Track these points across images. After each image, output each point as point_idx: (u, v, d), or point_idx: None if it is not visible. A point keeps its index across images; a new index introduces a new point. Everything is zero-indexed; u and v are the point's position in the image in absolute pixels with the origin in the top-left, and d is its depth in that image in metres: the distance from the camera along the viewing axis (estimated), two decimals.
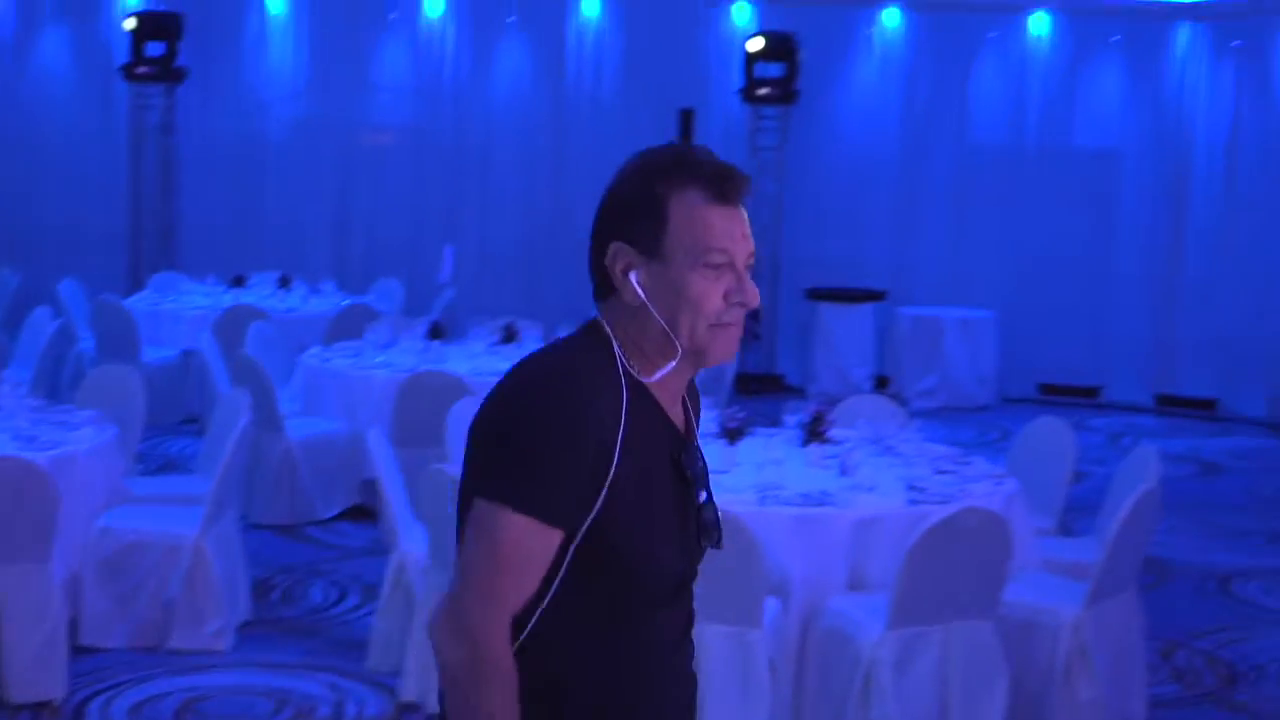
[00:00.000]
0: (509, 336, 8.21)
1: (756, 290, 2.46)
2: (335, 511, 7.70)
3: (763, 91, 11.64)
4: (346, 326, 9.22)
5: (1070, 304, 12.03)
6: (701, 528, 2.52)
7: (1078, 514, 7.05)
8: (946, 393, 11.58)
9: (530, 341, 7.98)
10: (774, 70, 11.62)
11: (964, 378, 11.62)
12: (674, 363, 2.45)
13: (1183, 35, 11.76)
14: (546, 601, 2.39)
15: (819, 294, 11.67)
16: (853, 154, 12.16)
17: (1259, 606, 6.83)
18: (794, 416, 5.71)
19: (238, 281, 10.85)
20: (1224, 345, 11.63)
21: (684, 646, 2.58)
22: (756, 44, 11.51)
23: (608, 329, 2.47)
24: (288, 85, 12.53)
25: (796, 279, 11.90)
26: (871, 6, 12.08)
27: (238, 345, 8.17)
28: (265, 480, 7.57)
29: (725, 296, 2.43)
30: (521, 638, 2.39)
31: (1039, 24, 12.01)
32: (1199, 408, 11.66)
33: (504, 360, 7.70)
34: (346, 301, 10.28)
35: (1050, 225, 11.98)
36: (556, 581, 2.38)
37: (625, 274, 2.43)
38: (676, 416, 2.52)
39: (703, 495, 2.54)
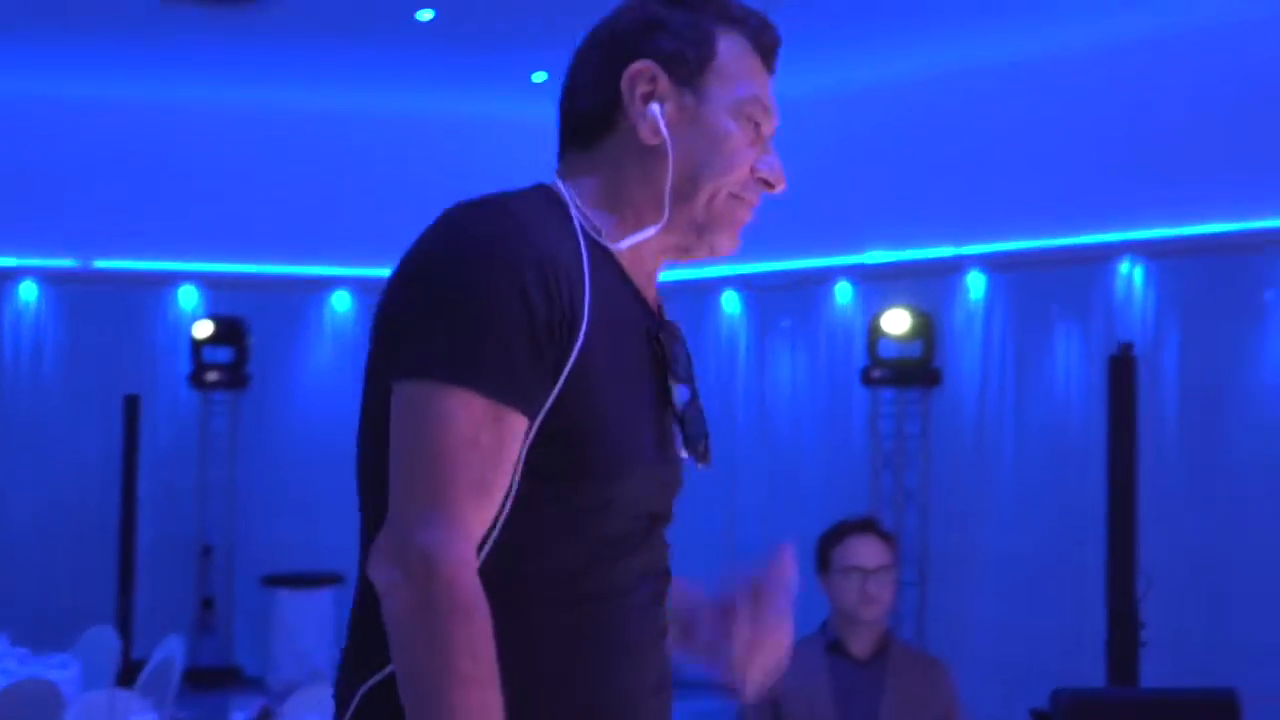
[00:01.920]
0: None
1: (784, 175, 1.97)
2: None
3: (212, 377, 11.48)
4: None
5: None
6: (686, 430, 1.91)
7: None
8: None
9: None
10: (224, 355, 11.49)
11: None
12: (654, 228, 1.91)
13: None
14: (496, 532, 1.75)
15: (275, 580, 11.44)
16: (308, 436, 12.07)
17: None
18: (241, 714, 5.55)
19: None
20: None
21: (658, 622, 1.92)
22: (204, 329, 11.37)
23: (560, 188, 1.93)
24: None
25: (252, 566, 11.64)
26: (321, 290, 12.15)
27: None
28: None
29: (752, 168, 1.94)
30: None
31: None
32: None
33: None
34: None
35: None
36: (509, 500, 1.75)
37: (645, 102, 1.90)
38: (651, 298, 1.97)
39: (685, 391, 1.92)
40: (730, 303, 11.54)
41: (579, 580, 1.81)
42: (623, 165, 1.91)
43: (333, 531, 12.07)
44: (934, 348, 10.14)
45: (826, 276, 10.91)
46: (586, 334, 1.77)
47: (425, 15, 8.72)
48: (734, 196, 1.93)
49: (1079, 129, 9.23)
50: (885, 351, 10.22)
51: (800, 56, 9.63)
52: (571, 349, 1.75)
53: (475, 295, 1.73)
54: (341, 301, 12.21)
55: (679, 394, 1.92)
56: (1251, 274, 8.41)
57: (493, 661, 1.67)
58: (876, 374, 10.26)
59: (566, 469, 1.77)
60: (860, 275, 10.76)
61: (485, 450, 1.71)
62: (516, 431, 1.73)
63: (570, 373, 1.75)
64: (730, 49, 1.92)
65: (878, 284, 10.57)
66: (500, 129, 10.99)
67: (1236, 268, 8.45)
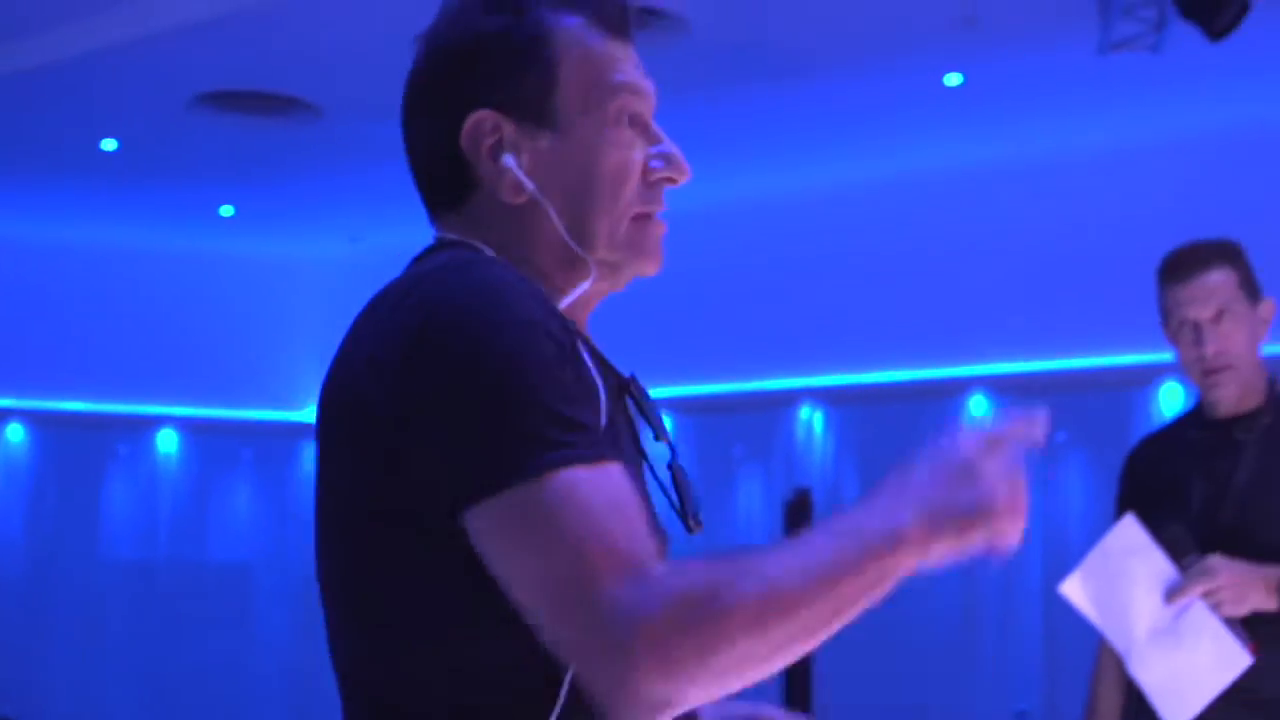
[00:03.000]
0: None
1: (683, 159, 1.66)
2: None
3: None
4: None
5: None
6: (685, 495, 1.64)
7: None
8: None
9: None
10: None
11: None
12: (587, 282, 1.63)
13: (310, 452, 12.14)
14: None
15: None
16: None
17: None
18: None
19: None
20: None
21: None
22: None
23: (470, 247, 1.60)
24: None
25: None
26: None
27: None
28: None
29: (644, 171, 1.63)
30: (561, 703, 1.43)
31: (167, 441, 12.06)
32: None
33: None
34: None
35: (187, 640, 11.84)
36: None
37: (495, 158, 1.58)
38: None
39: (669, 451, 1.66)
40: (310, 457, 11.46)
41: None
42: (502, 228, 1.61)
43: (2, 675, 11.60)
44: None
45: None
46: (606, 403, 1.51)
47: (109, 145, 8.59)
48: (638, 217, 1.66)
49: (757, 277, 9.50)
50: None
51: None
52: (599, 405, 1.49)
53: (528, 363, 1.41)
54: (15, 433, 11.82)
55: (666, 455, 1.66)
56: (925, 420, 8.72)
57: (763, 564, 1.37)
58: None
59: None
60: None
61: (612, 505, 1.39)
62: (624, 475, 1.43)
63: (606, 431, 1.49)
64: (572, 40, 1.61)
65: None
66: (187, 262, 10.88)
67: (912, 414, 8.75)
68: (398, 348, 1.45)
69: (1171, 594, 3.32)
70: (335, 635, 1.64)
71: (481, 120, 1.59)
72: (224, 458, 12.17)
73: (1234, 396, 3.52)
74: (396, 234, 10.75)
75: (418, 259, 1.65)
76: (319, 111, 7.89)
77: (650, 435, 1.68)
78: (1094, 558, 3.43)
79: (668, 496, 1.64)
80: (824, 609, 1.36)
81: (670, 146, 1.66)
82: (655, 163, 1.65)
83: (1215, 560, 3.34)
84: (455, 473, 1.40)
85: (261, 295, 11.84)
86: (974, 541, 1.46)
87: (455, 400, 1.40)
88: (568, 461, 1.37)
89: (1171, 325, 3.56)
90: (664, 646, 1.29)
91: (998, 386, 8.50)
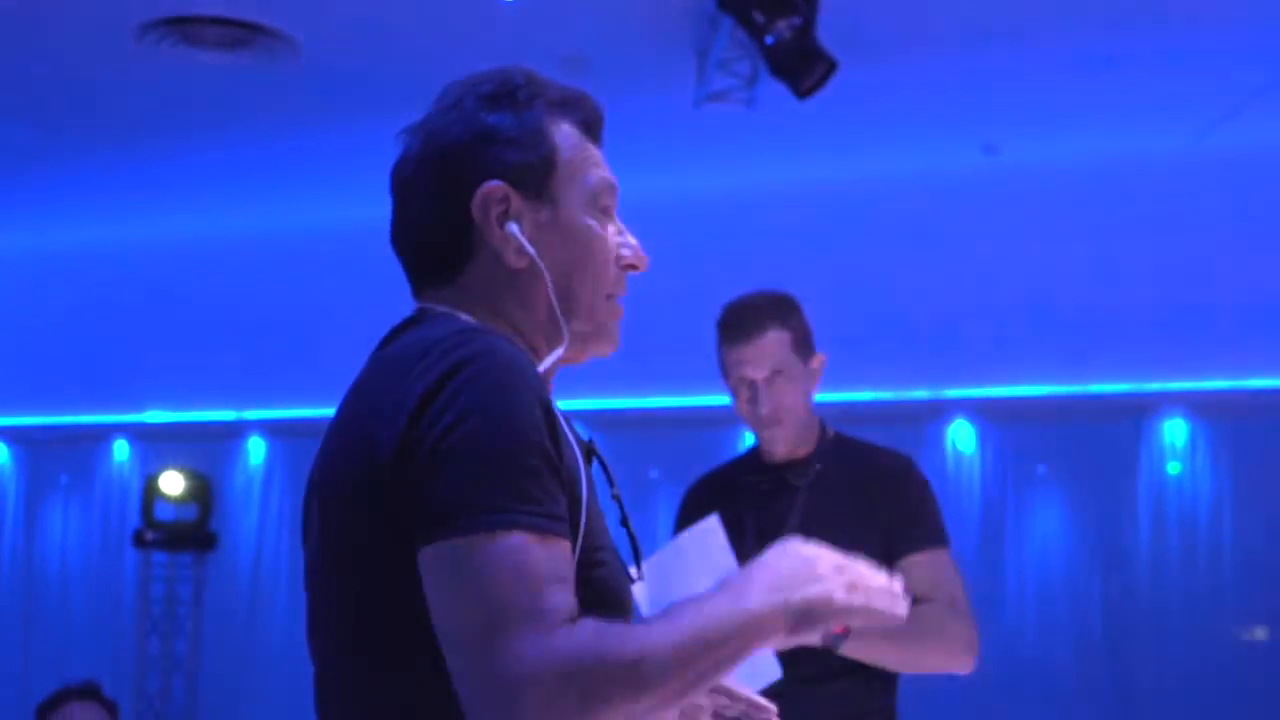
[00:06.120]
0: None
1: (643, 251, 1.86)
2: None
3: None
4: None
5: None
6: (635, 547, 1.86)
7: None
8: None
9: None
10: None
11: None
12: (561, 349, 1.78)
13: None
14: None
15: None
16: None
17: None
18: None
19: None
20: None
21: None
22: None
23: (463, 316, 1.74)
24: None
25: None
26: None
27: None
28: None
29: (616, 260, 1.84)
30: None
31: None
32: None
33: None
34: None
35: None
36: None
37: (502, 224, 1.76)
38: None
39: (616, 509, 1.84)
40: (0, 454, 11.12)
41: None
42: (496, 295, 1.78)
43: None
44: (211, 511, 10.08)
45: (104, 434, 10.69)
46: (581, 465, 1.69)
47: None
48: (608, 297, 1.84)
49: (333, 304, 9.49)
50: (161, 514, 10.08)
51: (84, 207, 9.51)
52: (579, 481, 1.67)
53: (504, 429, 1.57)
54: None
55: (616, 512, 1.85)
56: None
57: (645, 637, 1.54)
58: (150, 536, 10.09)
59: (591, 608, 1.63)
60: (138, 434, 10.60)
61: (544, 572, 1.54)
62: (568, 556, 1.59)
63: (587, 506, 1.68)
64: (565, 139, 1.83)
65: (156, 444, 10.44)
66: None
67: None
68: (413, 401, 1.60)
69: None
70: (328, 672, 1.76)
71: (493, 190, 1.76)
72: None
73: (787, 447, 3.71)
74: None
75: (403, 325, 1.80)
76: None
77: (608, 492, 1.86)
78: (668, 550, 3.43)
79: (632, 546, 1.87)
80: (685, 679, 1.54)
81: (633, 238, 1.87)
82: (625, 250, 1.86)
83: None
84: (425, 512, 1.55)
85: None
86: (814, 631, 1.65)
87: (450, 455, 1.55)
88: (520, 526, 1.52)
89: (730, 380, 3.73)
90: (549, 703, 1.46)
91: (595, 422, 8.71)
